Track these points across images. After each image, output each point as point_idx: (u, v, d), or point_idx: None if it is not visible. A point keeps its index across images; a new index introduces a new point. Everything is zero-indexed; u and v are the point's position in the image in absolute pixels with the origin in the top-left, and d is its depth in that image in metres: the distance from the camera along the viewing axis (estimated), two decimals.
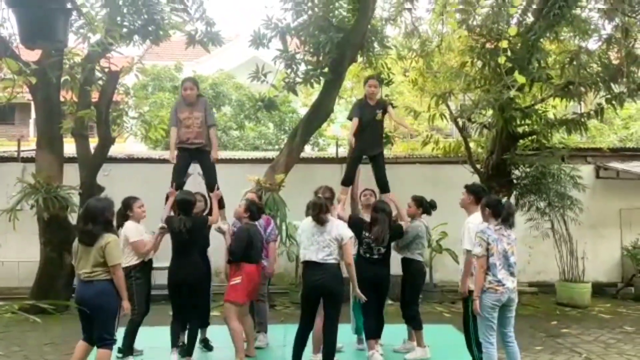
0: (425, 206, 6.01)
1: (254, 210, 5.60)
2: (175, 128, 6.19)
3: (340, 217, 5.55)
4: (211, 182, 6.19)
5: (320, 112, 8.67)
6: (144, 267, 5.39)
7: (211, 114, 6.39)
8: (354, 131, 6.07)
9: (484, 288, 4.64)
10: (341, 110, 13.82)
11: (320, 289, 5.02)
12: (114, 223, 5.01)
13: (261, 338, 6.19)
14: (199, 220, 5.57)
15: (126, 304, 4.68)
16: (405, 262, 5.90)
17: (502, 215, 4.72)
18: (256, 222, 5.69)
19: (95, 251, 4.46)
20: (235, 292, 5.34)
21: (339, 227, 5.06)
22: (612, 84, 7.92)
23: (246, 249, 5.34)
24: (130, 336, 5.41)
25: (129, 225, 5.37)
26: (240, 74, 13.15)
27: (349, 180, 6.35)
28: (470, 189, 5.38)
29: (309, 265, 5.05)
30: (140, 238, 5.31)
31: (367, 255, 5.50)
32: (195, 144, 6.12)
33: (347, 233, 5.06)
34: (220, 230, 5.71)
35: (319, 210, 5.03)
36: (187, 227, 5.28)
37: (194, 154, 6.21)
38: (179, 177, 6.16)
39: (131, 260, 5.27)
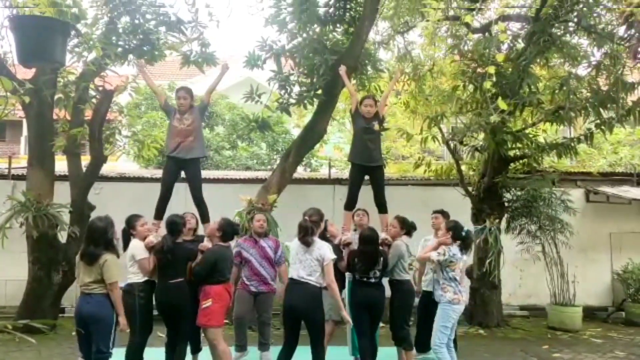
0: (408, 227, 6.04)
1: (228, 231, 5.48)
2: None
3: (348, 243, 5.80)
4: (196, 194, 6.12)
5: (313, 133, 8.73)
6: (150, 287, 5.32)
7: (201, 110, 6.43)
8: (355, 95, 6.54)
9: (450, 300, 5.35)
10: (334, 131, 13.92)
11: (295, 310, 5.09)
12: (117, 241, 5.05)
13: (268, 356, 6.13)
14: (186, 245, 5.47)
15: (122, 320, 4.75)
16: (394, 283, 5.88)
17: (463, 242, 5.49)
18: (229, 244, 5.58)
19: (95, 269, 4.68)
20: (208, 315, 5.20)
21: (321, 249, 5.12)
22: (601, 109, 8.02)
23: (210, 270, 5.22)
24: (134, 357, 5.26)
25: (136, 243, 5.35)
26: (234, 94, 13.20)
27: (351, 203, 6.32)
28: (448, 227, 5.66)
29: (291, 282, 5.18)
30: (146, 256, 5.28)
31: (364, 278, 5.53)
32: (183, 152, 6.02)
33: (329, 255, 5.10)
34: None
35: (304, 234, 5.15)
36: (169, 247, 5.18)
37: (181, 164, 6.12)
38: (166, 190, 6.11)
39: (138, 278, 5.25)
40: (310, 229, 5.17)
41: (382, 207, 6.29)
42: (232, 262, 5.64)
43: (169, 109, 6.35)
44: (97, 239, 4.75)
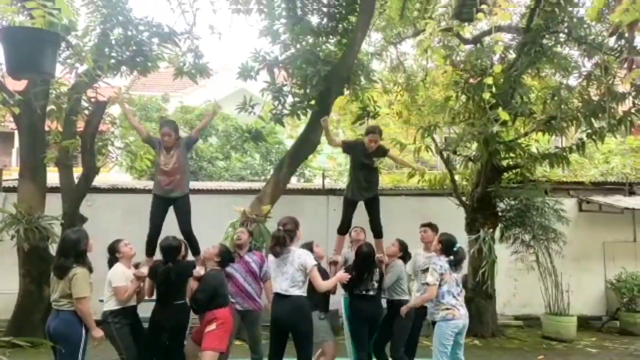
0: (405, 252, 5.98)
1: (226, 257, 5.36)
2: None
3: (334, 262, 5.81)
4: (185, 227, 6.08)
5: (307, 144, 8.71)
6: (125, 313, 5.13)
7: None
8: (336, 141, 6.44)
9: (444, 317, 5.12)
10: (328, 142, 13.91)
11: (280, 323, 4.90)
12: (88, 254, 4.83)
13: None
14: (184, 266, 5.36)
15: (96, 334, 4.61)
16: (394, 304, 5.77)
17: (453, 258, 5.25)
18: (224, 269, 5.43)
19: (64, 283, 4.53)
20: (213, 339, 5.01)
21: (300, 257, 4.88)
22: (592, 119, 8.08)
23: (213, 295, 5.09)
24: None
25: (117, 268, 5.19)
26: (228, 105, 13.19)
27: (344, 227, 6.27)
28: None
29: (275, 296, 4.97)
30: (124, 284, 5.11)
31: (362, 292, 5.48)
32: (169, 191, 6.02)
33: (310, 261, 4.86)
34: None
35: (274, 243, 4.93)
36: (174, 275, 5.10)
37: (168, 202, 6.09)
38: (155, 227, 6.05)
39: (111, 304, 5.08)
40: (281, 238, 4.91)
41: (377, 233, 6.24)
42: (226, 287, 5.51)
43: (153, 142, 6.30)
44: (68, 250, 4.59)
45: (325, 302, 5.60)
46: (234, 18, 9.85)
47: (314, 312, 5.20)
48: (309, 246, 5.51)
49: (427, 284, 5.13)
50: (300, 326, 4.84)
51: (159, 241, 5.55)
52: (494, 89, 5.67)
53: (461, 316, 5.18)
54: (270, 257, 5.09)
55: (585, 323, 9.64)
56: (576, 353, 7.97)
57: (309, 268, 4.83)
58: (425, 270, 5.74)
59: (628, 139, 13.29)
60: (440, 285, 5.12)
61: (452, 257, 5.26)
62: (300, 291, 4.86)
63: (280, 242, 4.89)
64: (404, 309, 5.45)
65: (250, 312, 5.72)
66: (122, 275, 5.16)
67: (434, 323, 5.27)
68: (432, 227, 6.15)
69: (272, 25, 8.31)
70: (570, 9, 7.81)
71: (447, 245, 5.28)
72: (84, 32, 7.48)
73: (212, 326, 5.01)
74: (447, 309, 5.13)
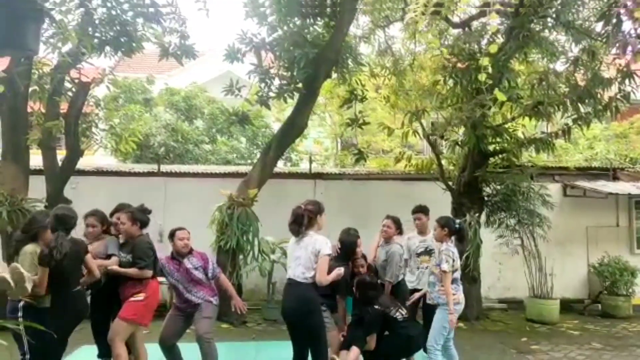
0: (400, 226, 6.00)
1: (142, 218, 5.03)
2: None
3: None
4: None
5: (293, 128, 8.67)
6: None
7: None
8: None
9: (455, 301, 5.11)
10: (314, 125, 13.88)
11: (287, 315, 4.67)
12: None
13: None
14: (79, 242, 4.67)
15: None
16: (394, 286, 5.80)
17: (458, 235, 5.30)
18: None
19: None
20: (136, 309, 4.76)
21: (317, 242, 4.58)
22: (579, 105, 8.12)
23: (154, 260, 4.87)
24: None
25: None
26: (213, 87, 13.06)
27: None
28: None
29: (287, 283, 4.72)
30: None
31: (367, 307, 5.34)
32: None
33: (325, 249, 4.55)
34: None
35: (293, 219, 4.64)
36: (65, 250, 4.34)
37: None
38: None
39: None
40: (301, 216, 4.60)
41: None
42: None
43: None
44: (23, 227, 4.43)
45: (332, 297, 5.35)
46: None
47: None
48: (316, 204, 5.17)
49: (444, 271, 5.05)
50: (305, 320, 4.56)
51: None
52: (490, 70, 5.63)
53: (463, 300, 5.28)
54: (291, 240, 4.84)
55: (568, 306, 9.78)
56: (559, 335, 8.10)
57: (321, 255, 4.53)
58: (422, 254, 5.79)
59: (612, 124, 13.43)
60: (452, 273, 5.13)
61: (456, 236, 5.30)
62: (311, 277, 4.55)
63: (298, 221, 4.61)
64: (453, 319, 5.10)
65: (199, 312, 5.19)
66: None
67: (433, 306, 5.21)
68: (425, 211, 6.18)
69: (259, 5, 8.19)
70: None
71: (451, 226, 5.25)
72: (67, 9, 7.30)
73: (140, 296, 4.83)
74: (454, 293, 5.12)
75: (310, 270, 4.54)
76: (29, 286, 4.19)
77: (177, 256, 5.18)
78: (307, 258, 4.56)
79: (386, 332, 5.30)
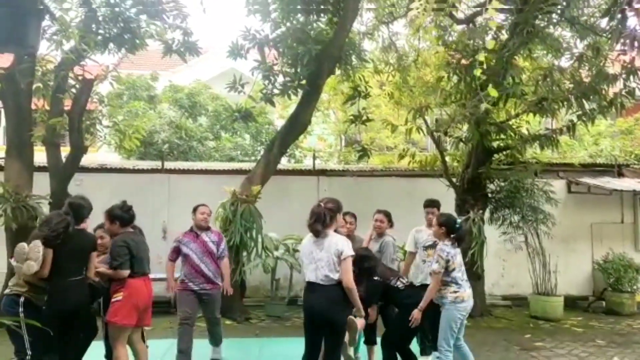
0: (391, 219, 6.04)
1: (120, 215, 4.90)
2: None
3: None
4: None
5: (297, 124, 8.67)
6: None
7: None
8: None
9: (453, 300, 4.99)
10: (318, 122, 13.87)
11: (315, 315, 4.47)
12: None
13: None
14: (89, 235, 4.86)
15: None
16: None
17: (456, 235, 5.11)
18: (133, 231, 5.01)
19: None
20: (116, 310, 4.68)
21: (338, 243, 4.40)
22: (583, 101, 8.08)
23: (130, 259, 4.76)
24: None
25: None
26: (217, 84, 13.06)
27: None
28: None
29: (308, 286, 4.53)
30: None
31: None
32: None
33: (347, 250, 4.38)
34: None
35: (314, 219, 4.43)
36: (67, 232, 4.48)
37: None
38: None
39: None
40: (322, 215, 4.41)
41: None
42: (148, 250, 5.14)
43: None
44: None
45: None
46: None
47: None
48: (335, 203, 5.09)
49: (433, 271, 5.01)
50: (335, 318, 4.41)
51: None
52: (485, 66, 5.61)
53: (469, 297, 5.08)
54: (303, 241, 4.67)
55: (572, 303, 9.77)
56: (563, 332, 8.08)
57: (344, 256, 4.35)
58: (429, 247, 5.70)
59: (617, 121, 13.35)
60: (449, 272, 4.98)
61: (454, 235, 5.10)
62: (337, 281, 4.39)
63: (320, 219, 4.41)
64: (416, 313, 4.99)
65: (208, 294, 5.63)
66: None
67: (438, 306, 5.11)
68: (437, 206, 6.12)
69: (263, 2, 8.17)
70: None
71: (450, 226, 5.12)
72: (70, 7, 7.31)
73: (118, 296, 4.74)
74: (456, 291, 5.00)
75: (334, 272, 4.38)
76: (35, 264, 4.36)
77: (196, 229, 5.75)
78: (330, 260, 4.39)
79: (396, 310, 5.34)
